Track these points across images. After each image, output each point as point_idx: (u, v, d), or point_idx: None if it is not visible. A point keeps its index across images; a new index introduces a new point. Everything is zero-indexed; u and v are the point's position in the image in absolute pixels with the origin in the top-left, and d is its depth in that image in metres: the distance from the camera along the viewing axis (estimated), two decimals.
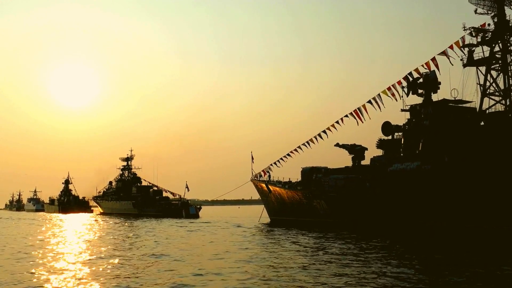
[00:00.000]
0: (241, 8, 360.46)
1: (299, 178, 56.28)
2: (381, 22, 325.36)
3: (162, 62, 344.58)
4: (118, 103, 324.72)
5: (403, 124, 43.20)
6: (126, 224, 62.94)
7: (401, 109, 44.43)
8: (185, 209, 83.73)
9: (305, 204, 51.32)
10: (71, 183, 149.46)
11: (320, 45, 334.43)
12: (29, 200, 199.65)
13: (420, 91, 42.65)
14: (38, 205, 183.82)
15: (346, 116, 49.69)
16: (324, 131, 52.28)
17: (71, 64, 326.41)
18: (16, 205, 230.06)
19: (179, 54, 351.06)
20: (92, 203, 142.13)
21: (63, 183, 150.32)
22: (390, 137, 45.61)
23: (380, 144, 44.73)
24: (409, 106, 43.61)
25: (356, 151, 49.45)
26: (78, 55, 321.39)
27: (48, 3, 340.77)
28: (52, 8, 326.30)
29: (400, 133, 45.28)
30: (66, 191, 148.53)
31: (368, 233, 36.02)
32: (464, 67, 40.45)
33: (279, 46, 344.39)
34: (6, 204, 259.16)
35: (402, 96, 44.08)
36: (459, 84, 40.23)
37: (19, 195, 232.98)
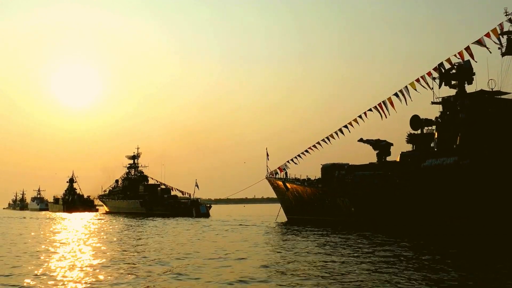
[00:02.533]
0: (243, 7, 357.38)
1: (317, 176, 54.02)
2: (383, 20, 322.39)
3: (164, 61, 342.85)
4: (120, 102, 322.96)
5: (436, 117, 40.74)
6: (148, 224, 60.55)
7: (432, 102, 41.92)
8: (196, 208, 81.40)
9: (326, 203, 48.94)
10: (75, 181, 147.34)
11: (322, 43, 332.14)
12: (33, 199, 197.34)
13: (453, 82, 40.16)
14: (42, 204, 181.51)
15: (370, 110, 47.40)
16: (345, 126, 50.04)
17: (73, 63, 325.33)
18: (19, 204, 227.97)
19: (180, 53, 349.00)
20: (97, 202, 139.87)
21: (67, 181, 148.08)
22: (419, 131, 43.28)
23: (411, 138, 42.28)
24: (440, 99, 41.14)
25: (381, 146, 47.09)
26: (79, 54, 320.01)
27: (49, 3, 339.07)
28: (53, 8, 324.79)
29: (429, 127, 42.89)
30: (70, 190, 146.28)
31: (405, 233, 33.70)
32: (502, 56, 37.87)
33: (281, 45, 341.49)
34: (9, 203, 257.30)
35: (432, 88, 41.70)
36: (497, 74, 37.61)
37: (23, 194, 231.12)
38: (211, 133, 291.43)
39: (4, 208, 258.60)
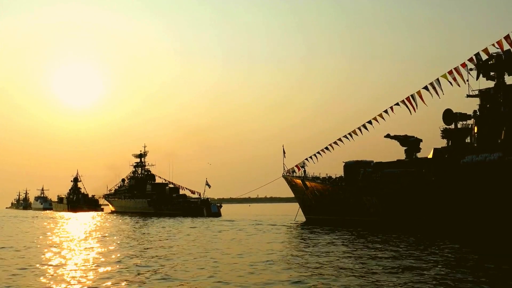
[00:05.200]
0: (245, 7, 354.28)
1: (337, 174, 51.63)
2: (385, 19, 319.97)
3: (166, 60, 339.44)
4: (122, 101, 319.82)
5: (474, 111, 38.30)
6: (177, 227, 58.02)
7: (467, 95, 39.56)
8: (207, 208, 78.90)
9: (351, 202, 46.41)
10: (80, 181, 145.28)
11: (323, 43, 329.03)
12: (37, 198, 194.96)
13: (491, 73, 37.71)
14: (45, 203, 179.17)
15: (397, 104, 45.03)
16: (369, 122, 47.67)
17: (75, 63, 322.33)
18: (22, 203, 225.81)
19: (182, 52, 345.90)
20: (102, 201, 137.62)
21: (71, 181, 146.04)
22: (452, 126, 40.80)
23: (446, 134, 39.72)
24: (477, 91, 38.70)
25: (410, 142, 44.55)
26: (81, 54, 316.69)
27: (51, 3, 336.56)
28: (55, 8, 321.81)
29: (464, 122, 40.43)
30: (75, 189, 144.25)
31: (455, 235, 31.27)
32: None
33: (282, 44, 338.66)
34: (12, 203, 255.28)
35: (467, 80, 39.23)
36: None
37: (26, 193, 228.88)
38: (215, 132, 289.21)
39: (7, 208, 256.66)
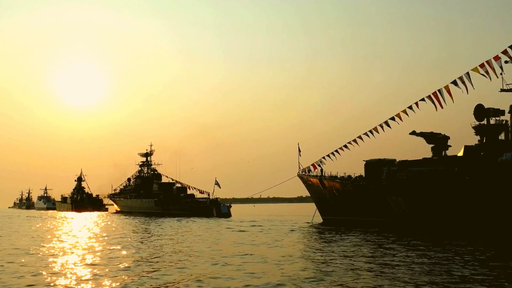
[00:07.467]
0: (247, 6, 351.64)
1: (355, 173, 49.63)
2: (387, 19, 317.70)
3: (169, 60, 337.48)
4: (125, 100, 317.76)
5: (510, 105, 36.22)
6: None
7: (501, 89, 37.45)
8: (216, 208, 76.71)
9: (374, 202, 44.27)
10: (84, 180, 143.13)
11: (326, 42, 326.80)
12: (40, 198, 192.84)
13: None
14: (49, 203, 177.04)
15: (423, 100, 42.99)
16: (392, 118, 45.61)
17: (77, 63, 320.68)
18: (25, 203, 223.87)
19: (185, 52, 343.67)
20: (106, 201, 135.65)
21: (75, 180, 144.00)
22: (484, 122, 38.71)
23: (479, 130, 37.60)
24: None
25: (437, 140, 42.42)
26: (83, 54, 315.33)
27: (54, 2, 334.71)
28: (57, 8, 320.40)
29: (497, 118, 38.35)
30: (79, 189, 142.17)
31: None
32: None
33: (285, 43, 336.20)
34: (14, 202, 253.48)
35: (501, 74, 37.14)
36: None
37: (29, 193, 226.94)
38: (220, 131, 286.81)
39: (9, 207, 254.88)
